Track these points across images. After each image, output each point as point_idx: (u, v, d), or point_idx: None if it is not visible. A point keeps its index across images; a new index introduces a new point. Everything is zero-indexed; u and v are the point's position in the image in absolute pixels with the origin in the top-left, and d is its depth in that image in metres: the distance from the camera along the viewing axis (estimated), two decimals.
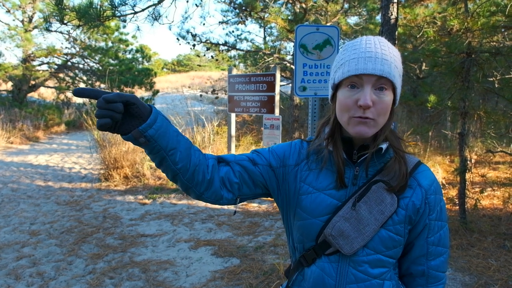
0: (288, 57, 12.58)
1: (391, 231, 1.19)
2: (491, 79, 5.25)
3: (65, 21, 4.81)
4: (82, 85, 18.62)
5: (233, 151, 7.79)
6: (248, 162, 1.31)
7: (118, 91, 0.95)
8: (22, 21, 16.72)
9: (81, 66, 18.51)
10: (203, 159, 1.25)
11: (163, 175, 7.83)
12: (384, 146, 1.19)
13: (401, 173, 1.18)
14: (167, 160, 1.16)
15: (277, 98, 6.90)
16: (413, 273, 1.29)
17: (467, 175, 5.23)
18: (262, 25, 14.88)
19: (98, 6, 4.59)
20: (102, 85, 17.42)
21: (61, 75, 18.46)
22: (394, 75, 1.13)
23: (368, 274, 1.20)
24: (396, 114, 10.12)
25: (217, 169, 1.27)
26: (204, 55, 12.48)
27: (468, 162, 5.21)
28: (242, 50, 12.74)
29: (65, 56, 17.99)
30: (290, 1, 10.37)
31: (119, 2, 4.73)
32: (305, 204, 1.25)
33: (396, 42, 4.39)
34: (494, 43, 5.37)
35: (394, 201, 1.18)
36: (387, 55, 1.13)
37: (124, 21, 5.38)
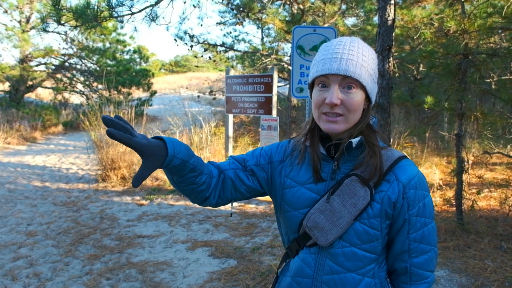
0: (286, 58, 12.59)
1: (366, 224, 1.21)
2: (488, 80, 5.27)
3: (62, 22, 4.80)
4: (79, 86, 18.60)
5: (230, 152, 7.79)
6: (240, 171, 1.39)
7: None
8: (20, 22, 16.68)
9: (78, 66, 18.48)
10: (207, 179, 1.33)
11: (160, 176, 7.84)
12: (354, 140, 1.21)
13: (374, 166, 1.20)
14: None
15: (274, 99, 6.91)
16: (397, 270, 1.29)
17: (464, 176, 5.24)
18: (260, 26, 14.89)
19: (95, 7, 4.58)
20: (100, 86, 17.39)
21: (58, 75, 18.42)
22: (359, 74, 1.18)
23: (343, 267, 1.23)
24: (394, 115, 10.11)
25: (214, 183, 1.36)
26: (202, 56, 12.47)
27: (465, 163, 5.23)
28: (240, 51, 12.74)
29: (63, 57, 17.95)
30: (288, 2, 10.38)
31: (116, 3, 4.72)
32: (287, 197, 1.32)
33: (394, 43, 4.40)
34: (491, 45, 5.39)
35: (367, 195, 1.19)
36: (353, 55, 1.19)
37: (122, 22, 5.38)
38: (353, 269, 1.22)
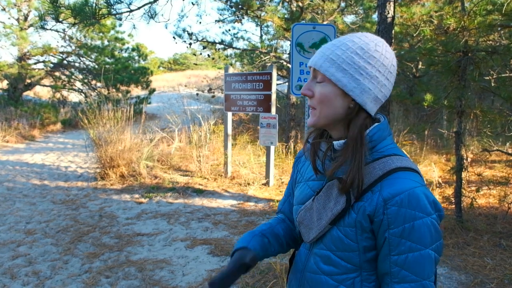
0: (285, 56, 12.57)
1: (341, 231, 1.16)
2: (488, 78, 5.26)
3: (60, 19, 4.79)
4: (78, 84, 18.58)
5: (229, 150, 7.79)
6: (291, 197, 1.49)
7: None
8: (18, 19, 16.64)
9: (77, 64, 18.45)
10: (284, 236, 1.45)
11: (160, 174, 7.83)
12: (336, 143, 1.18)
13: (352, 176, 1.11)
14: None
15: (273, 96, 6.90)
16: None
17: (463, 174, 5.24)
18: (259, 23, 14.85)
19: (94, 4, 4.57)
20: (98, 84, 17.36)
21: (57, 73, 18.38)
22: (320, 65, 1.16)
23: (319, 268, 1.23)
24: (393, 113, 10.09)
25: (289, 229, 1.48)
26: (201, 53, 12.46)
27: (464, 160, 5.22)
28: (239, 49, 12.72)
29: (61, 55, 17.92)
30: (287, 0, 10.36)
31: (115, 0, 4.70)
32: (295, 191, 1.39)
33: (393, 40, 4.39)
34: (491, 42, 5.38)
35: (342, 201, 1.14)
36: (328, 48, 1.18)
37: (120, 19, 5.37)
38: (328, 273, 1.21)
